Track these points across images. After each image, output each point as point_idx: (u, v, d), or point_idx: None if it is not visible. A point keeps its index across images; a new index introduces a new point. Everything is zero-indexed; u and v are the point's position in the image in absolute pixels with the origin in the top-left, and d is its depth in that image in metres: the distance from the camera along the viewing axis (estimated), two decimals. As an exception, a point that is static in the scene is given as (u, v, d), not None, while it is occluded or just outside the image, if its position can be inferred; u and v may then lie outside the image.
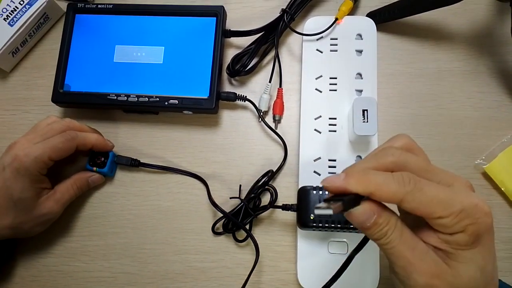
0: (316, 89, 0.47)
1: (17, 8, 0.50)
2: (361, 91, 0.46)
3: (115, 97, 0.47)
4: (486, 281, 0.26)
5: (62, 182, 0.45)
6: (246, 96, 0.48)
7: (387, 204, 0.27)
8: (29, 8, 0.51)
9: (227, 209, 0.45)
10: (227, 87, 0.51)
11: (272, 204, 0.45)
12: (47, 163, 0.41)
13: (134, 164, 0.48)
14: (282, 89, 0.49)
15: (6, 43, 0.50)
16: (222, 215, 0.45)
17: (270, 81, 0.48)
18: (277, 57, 0.48)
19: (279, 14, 0.48)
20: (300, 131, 0.46)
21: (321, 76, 0.47)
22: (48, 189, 0.44)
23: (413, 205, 0.26)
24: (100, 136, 0.47)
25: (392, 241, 0.26)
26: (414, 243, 0.27)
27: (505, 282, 0.33)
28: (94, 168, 0.47)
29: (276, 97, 0.49)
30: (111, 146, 0.47)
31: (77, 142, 0.43)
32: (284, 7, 0.48)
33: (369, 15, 0.49)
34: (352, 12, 0.50)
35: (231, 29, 0.49)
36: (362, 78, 0.47)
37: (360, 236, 0.42)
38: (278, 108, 0.48)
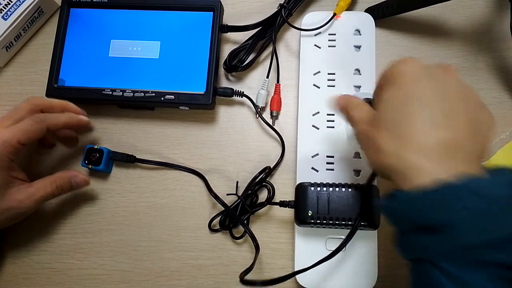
0: (314, 85, 0.46)
1: (11, 1, 0.50)
2: (359, 87, 0.46)
3: (110, 92, 0.47)
4: (399, 117, 0.30)
5: (42, 178, 0.43)
6: (243, 92, 0.48)
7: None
8: (23, 1, 0.50)
9: (224, 205, 0.44)
10: (224, 83, 0.50)
11: (270, 200, 0.44)
12: (16, 147, 0.39)
13: (129, 160, 0.47)
14: (279, 84, 0.48)
15: (0, 37, 0.49)
16: (218, 212, 0.45)
17: (267, 77, 0.48)
18: (274, 52, 0.48)
19: (276, 9, 0.48)
20: (297, 127, 0.46)
21: (319, 71, 0.47)
22: (23, 181, 0.42)
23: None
24: (71, 114, 0.44)
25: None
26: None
27: None
28: (90, 166, 0.46)
29: (274, 93, 0.48)
30: (85, 121, 0.45)
31: (47, 123, 0.41)
32: (282, 2, 0.48)
33: (368, 10, 0.49)
34: (350, 7, 0.49)
35: (228, 24, 0.49)
36: (360, 74, 0.46)
37: (358, 232, 0.41)
38: (276, 104, 0.48)
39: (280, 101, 0.48)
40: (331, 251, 0.37)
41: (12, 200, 0.40)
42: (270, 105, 0.48)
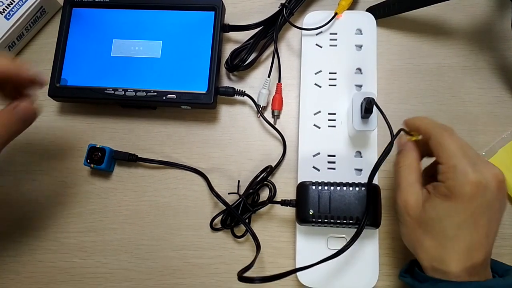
0: (315, 84, 0.47)
1: (14, 1, 0.50)
2: (360, 86, 0.46)
3: (113, 92, 0.47)
4: (445, 233, 0.33)
5: None
6: (244, 91, 0.48)
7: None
8: (25, 1, 0.50)
9: (226, 204, 0.45)
10: (226, 82, 0.50)
11: (271, 199, 0.44)
12: None
13: (131, 159, 0.47)
14: (281, 84, 0.48)
15: (2, 37, 0.49)
16: (220, 211, 0.45)
17: (269, 76, 0.48)
18: (276, 51, 0.48)
19: (278, 9, 0.48)
20: (299, 126, 0.46)
21: (320, 71, 0.47)
22: None
23: (433, 143, 0.34)
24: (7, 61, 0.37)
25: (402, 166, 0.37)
26: (413, 181, 0.36)
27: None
28: (92, 165, 0.46)
29: (275, 92, 0.49)
30: (25, 74, 0.37)
31: None
32: (283, 1, 0.48)
33: (369, 10, 0.49)
34: (351, 6, 0.49)
35: (230, 24, 0.49)
36: (361, 73, 0.46)
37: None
38: (277, 103, 0.48)
39: (282, 100, 0.48)
40: (335, 251, 0.37)
41: None
42: (272, 104, 0.48)
